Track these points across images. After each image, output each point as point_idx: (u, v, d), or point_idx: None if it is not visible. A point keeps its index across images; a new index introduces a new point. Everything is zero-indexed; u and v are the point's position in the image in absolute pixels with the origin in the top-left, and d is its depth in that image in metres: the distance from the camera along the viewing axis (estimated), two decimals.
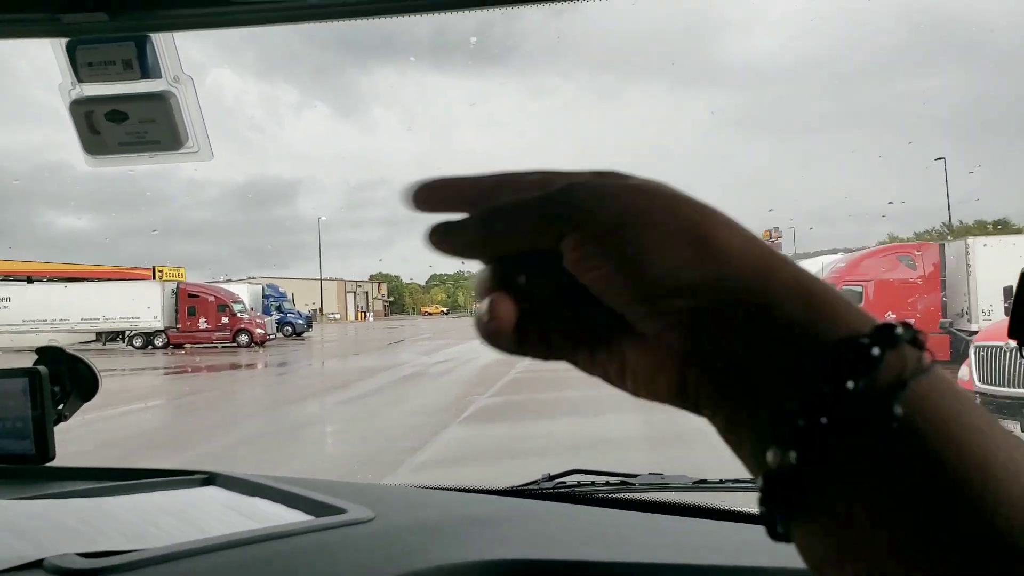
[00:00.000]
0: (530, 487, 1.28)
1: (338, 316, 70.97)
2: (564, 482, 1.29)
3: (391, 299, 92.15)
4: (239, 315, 32.22)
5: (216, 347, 31.82)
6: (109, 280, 34.93)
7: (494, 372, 15.85)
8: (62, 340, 33.12)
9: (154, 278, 46.49)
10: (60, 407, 1.25)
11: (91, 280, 35.85)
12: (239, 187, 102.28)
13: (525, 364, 15.83)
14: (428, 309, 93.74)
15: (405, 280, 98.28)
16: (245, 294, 38.25)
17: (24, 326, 31.20)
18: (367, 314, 77.95)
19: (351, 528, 0.98)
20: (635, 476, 1.30)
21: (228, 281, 39.50)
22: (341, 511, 1.02)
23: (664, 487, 1.28)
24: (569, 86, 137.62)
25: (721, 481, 1.29)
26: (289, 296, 43.80)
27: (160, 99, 1.00)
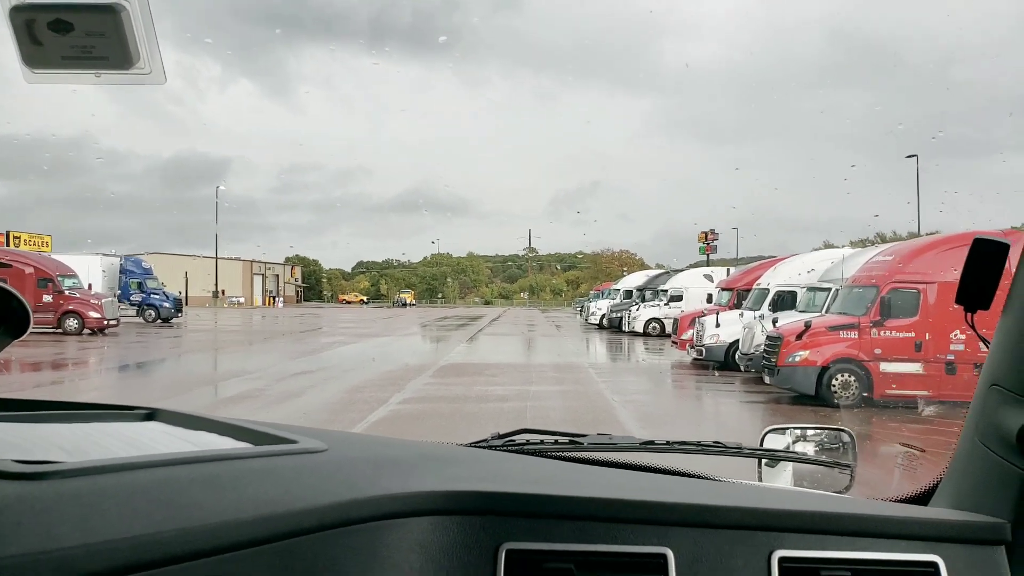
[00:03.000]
0: (479, 444, 1.31)
1: (242, 300, 64.27)
2: (513, 440, 1.33)
3: (305, 284, 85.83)
4: (67, 293, 25.37)
5: (31, 333, 24.92)
6: None
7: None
8: None
9: (7, 245, 38.71)
10: None
11: None
12: (165, 162, 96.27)
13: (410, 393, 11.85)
14: (347, 297, 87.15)
15: (326, 266, 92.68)
16: (97, 268, 31.26)
17: None
18: (276, 299, 71.47)
19: (302, 456, 0.95)
20: (583, 436, 1.35)
21: (96, 256, 32.22)
22: (292, 442, 0.99)
23: (612, 447, 1.33)
24: (507, 83, 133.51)
25: (668, 443, 1.35)
26: (155, 272, 36.72)
27: (111, 11, 0.93)
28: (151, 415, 1.20)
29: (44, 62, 0.96)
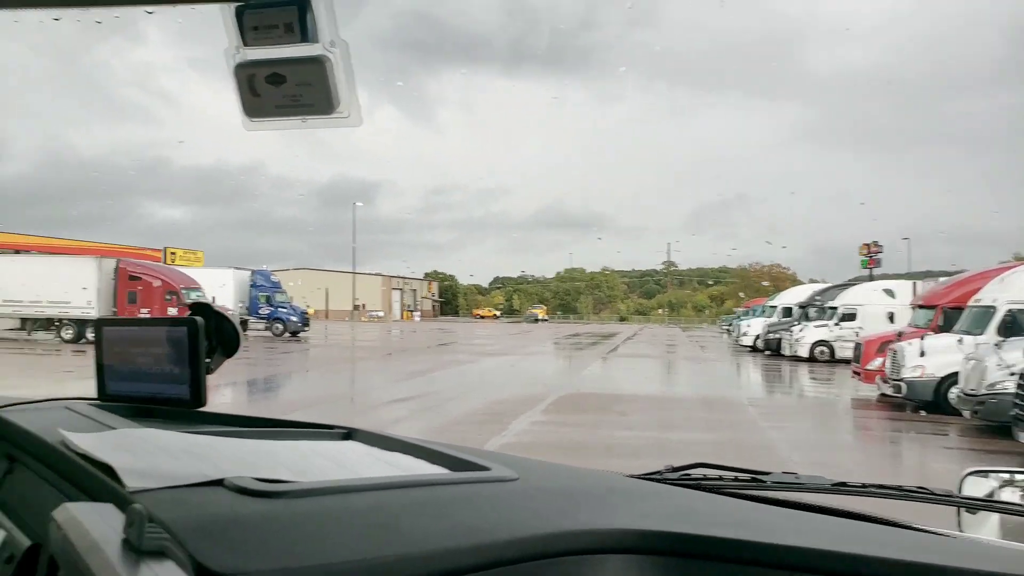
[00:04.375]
0: (652, 476, 1.26)
1: (381, 314, 64.89)
2: (689, 474, 1.26)
3: (442, 299, 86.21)
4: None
5: None
6: (58, 255, 28.19)
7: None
8: None
9: (164, 262, 40.17)
10: (207, 360, 1.29)
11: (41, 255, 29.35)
12: (322, 187, 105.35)
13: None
14: (480, 311, 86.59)
15: (464, 282, 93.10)
16: (229, 281, 31.20)
17: None
18: (414, 313, 71.83)
19: (496, 484, 0.99)
20: (766, 474, 1.26)
21: (239, 269, 32.44)
22: (484, 468, 1.02)
23: (799, 487, 1.24)
24: (642, 97, 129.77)
25: (863, 486, 1.25)
26: (298, 287, 36.71)
27: (317, 63, 1.03)
28: (349, 434, 1.26)
29: (260, 111, 1.08)
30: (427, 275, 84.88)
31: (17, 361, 19.96)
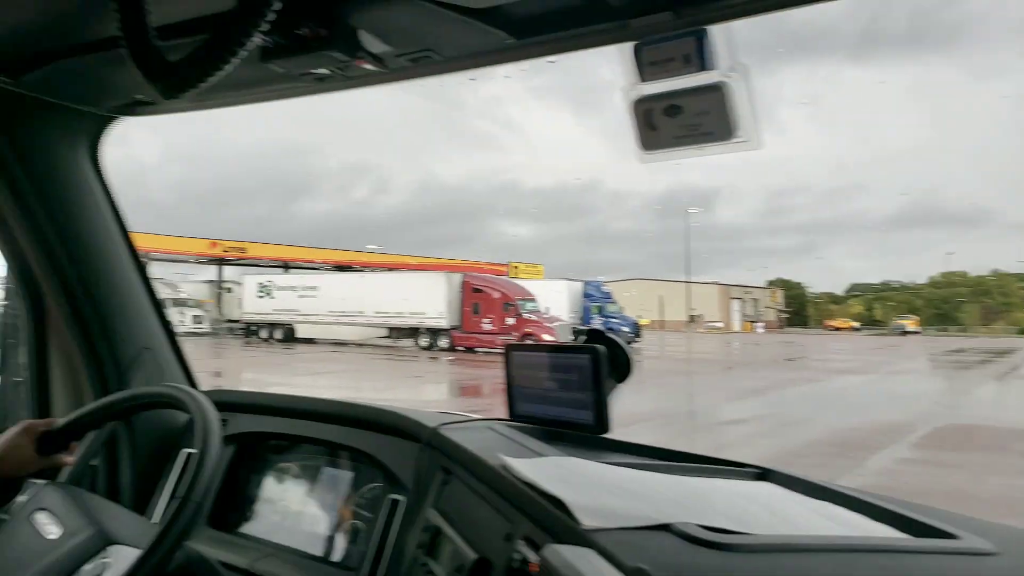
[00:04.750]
0: None
1: (720, 325, 62.11)
2: None
3: (788, 309, 79.58)
4: (524, 316, 25.78)
5: (498, 352, 25.93)
6: (415, 271, 31.57)
7: None
8: (357, 334, 31.10)
9: (508, 276, 43.43)
10: None
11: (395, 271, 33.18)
12: (657, 197, 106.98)
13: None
14: (834, 323, 77.90)
15: (813, 290, 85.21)
16: (563, 292, 31.97)
17: (328, 317, 29.30)
18: (755, 325, 67.43)
19: (970, 559, 0.85)
20: None
21: (569, 280, 33.54)
22: (950, 535, 0.89)
23: None
24: None
25: None
26: (632, 297, 36.43)
27: (716, 90, 1.02)
28: (763, 474, 1.20)
29: (658, 144, 1.08)
30: (770, 283, 79.26)
31: (382, 366, 22.31)
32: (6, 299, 1.80)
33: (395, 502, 1.38)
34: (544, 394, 1.38)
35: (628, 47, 1.04)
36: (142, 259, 1.80)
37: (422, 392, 16.19)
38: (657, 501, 0.94)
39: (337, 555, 1.47)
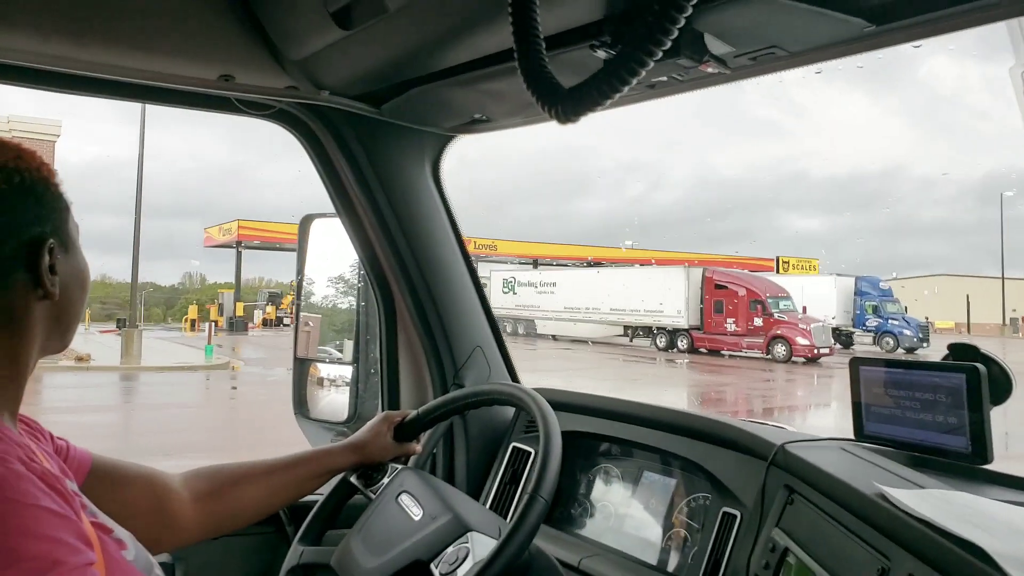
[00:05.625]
0: None
1: None
2: None
3: None
4: (776, 316, 22.43)
5: (743, 356, 22.93)
6: (655, 266, 29.38)
7: None
8: (595, 332, 29.70)
9: (777, 271, 39.63)
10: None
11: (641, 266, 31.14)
12: (975, 182, 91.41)
13: None
14: None
15: None
16: (829, 289, 27.76)
17: (565, 313, 28.53)
18: None
19: None
20: None
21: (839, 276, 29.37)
22: None
23: None
24: None
25: None
26: (923, 295, 30.75)
27: None
28: None
29: None
30: None
31: (610, 366, 20.80)
32: (363, 301, 1.98)
33: (730, 516, 1.37)
34: (902, 415, 1.30)
35: (1019, 23, 1.01)
36: (472, 262, 1.92)
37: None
38: None
39: (671, 564, 1.46)
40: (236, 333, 31.88)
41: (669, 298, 24.89)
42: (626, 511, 1.60)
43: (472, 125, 1.69)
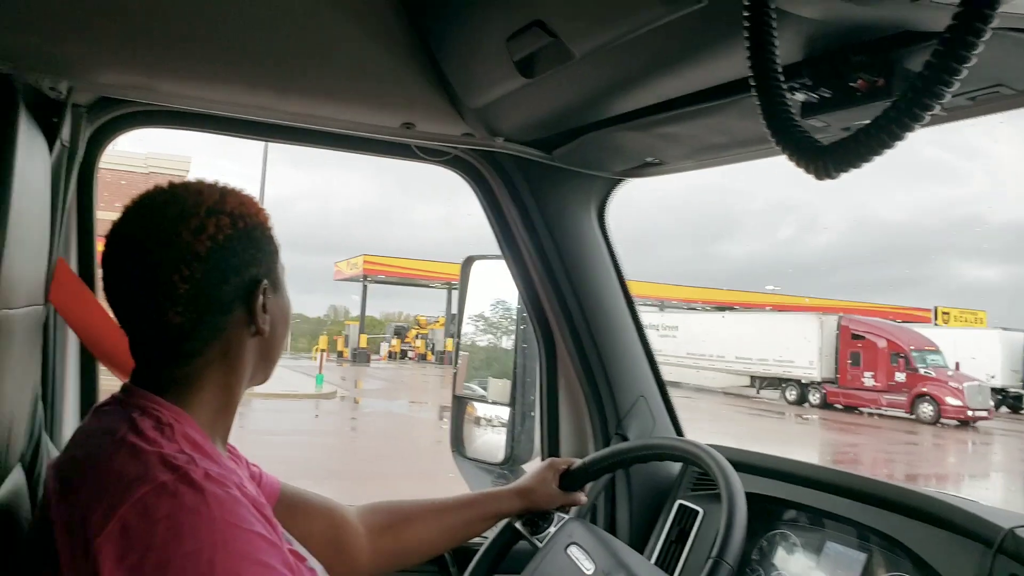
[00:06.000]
0: None
1: None
2: None
3: None
4: (922, 371, 20.41)
5: (883, 415, 20.98)
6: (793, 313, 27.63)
7: None
8: (717, 381, 28.11)
9: (934, 322, 36.65)
10: None
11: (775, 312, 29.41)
12: None
13: None
14: None
15: None
16: (993, 343, 25.04)
17: (687, 359, 27.42)
18: None
19: None
20: None
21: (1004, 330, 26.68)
22: None
23: None
24: None
25: None
26: None
27: None
28: None
29: None
30: None
31: (728, 418, 19.64)
32: (524, 342, 1.96)
33: None
34: None
35: None
36: (636, 308, 1.88)
37: None
38: None
39: None
40: (358, 364, 32.97)
41: (800, 347, 23.27)
42: None
43: (642, 169, 1.68)
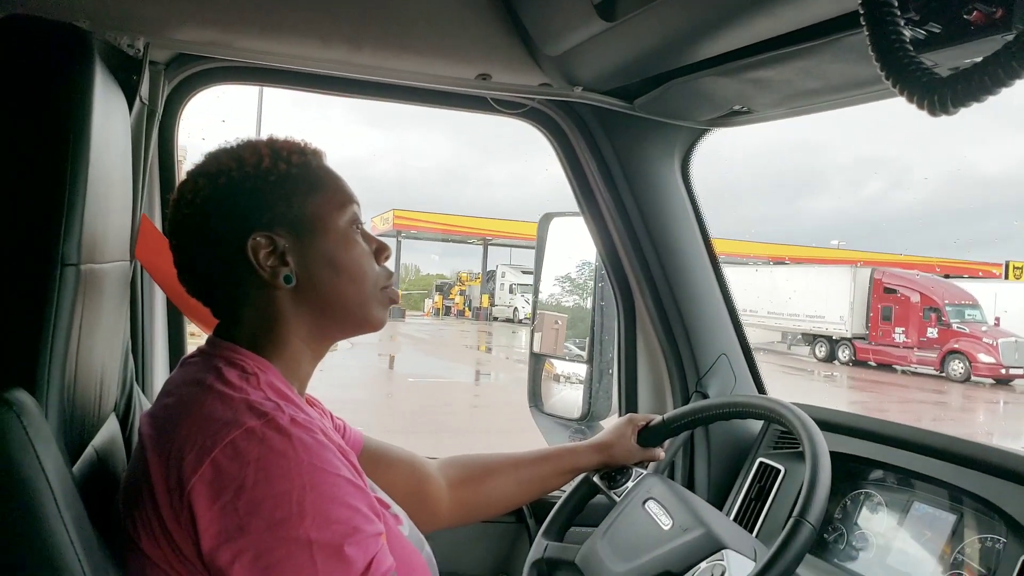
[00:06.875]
0: None
1: None
2: None
3: None
4: (955, 327, 19.26)
5: (913, 372, 19.93)
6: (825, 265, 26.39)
7: None
8: (752, 336, 26.99)
9: (1006, 277, 34.60)
10: None
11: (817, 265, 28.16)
12: None
13: None
14: None
15: None
16: None
17: None
18: None
19: None
20: None
21: None
22: None
23: None
24: None
25: None
26: None
27: None
28: None
29: None
30: None
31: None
32: (602, 299, 1.94)
33: None
34: None
35: None
36: (720, 264, 1.84)
37: None
38: None
39: None
40: (394, 319, 33.50)
41: (830, 302, 22.31)
42: (890, 543, 1.47)
43: (729, 118, 1.62)
